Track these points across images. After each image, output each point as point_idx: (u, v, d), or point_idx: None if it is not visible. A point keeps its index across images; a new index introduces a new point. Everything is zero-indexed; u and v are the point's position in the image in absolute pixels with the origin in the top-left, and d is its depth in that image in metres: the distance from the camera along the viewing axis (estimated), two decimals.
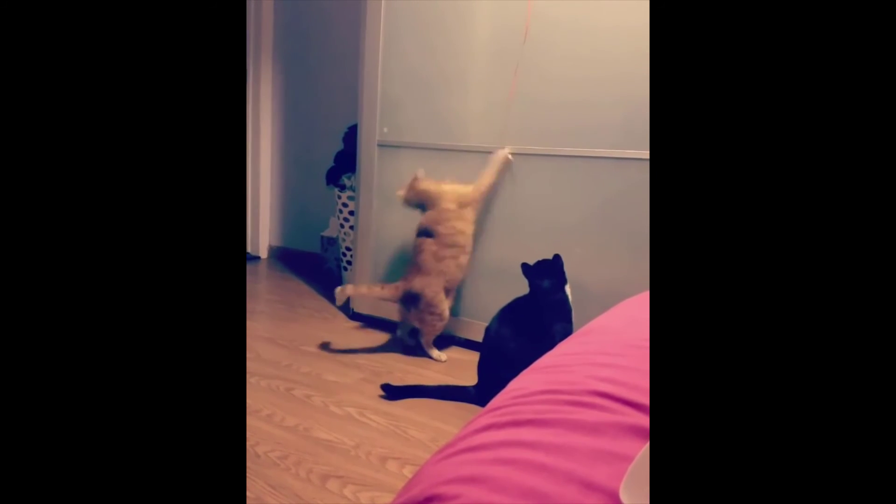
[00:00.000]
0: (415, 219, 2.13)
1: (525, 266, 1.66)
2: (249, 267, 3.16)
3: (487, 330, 1.64)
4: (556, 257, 1.67)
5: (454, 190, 1.85)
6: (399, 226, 2.18)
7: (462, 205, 1.82)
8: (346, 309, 2.39)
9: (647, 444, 0.42)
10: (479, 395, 1.60)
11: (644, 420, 0.47)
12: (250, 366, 1.79)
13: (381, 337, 2.13)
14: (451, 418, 1.50)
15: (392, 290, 1.85)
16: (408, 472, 1.25)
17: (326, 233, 3.02)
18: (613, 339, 0.76)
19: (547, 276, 1.64)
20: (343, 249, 2.72)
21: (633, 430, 0.45)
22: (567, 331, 1.60)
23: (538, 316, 1.61)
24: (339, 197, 2.67)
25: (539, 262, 1.67)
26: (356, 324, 2.27)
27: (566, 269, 1.68)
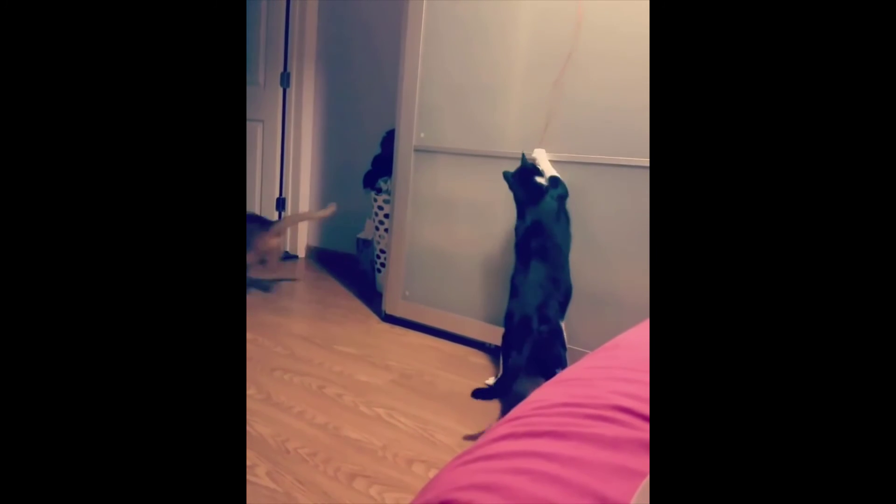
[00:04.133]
0: (448, 223, 2.15)
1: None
2: (288, 266, 3.24)
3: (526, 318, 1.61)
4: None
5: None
6: (432, 229, 2.20)
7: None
8: (379, 311, 2.42)
9: None
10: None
11: None
12: (284, 362, 1.84)
13: (412, 339, 2.16)
14: (479, 424, 1.51)
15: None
16: (433, 475, 1.26)
17: (362, 234, 3.07)
18: (640, 355, 0.75)
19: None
20: (378, 251, 2.76)
21: None
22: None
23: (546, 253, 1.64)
24: (376, 200, 2.72)
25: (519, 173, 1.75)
26: (388, 326, 2.30)
27: (598, 278, 1.66)
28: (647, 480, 0.41)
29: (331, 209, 2.68)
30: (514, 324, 1.60)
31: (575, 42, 1.80)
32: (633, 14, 1.68)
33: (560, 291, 1.64)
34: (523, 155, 1.78)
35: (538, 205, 1.70)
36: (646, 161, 1.70)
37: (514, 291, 1.65)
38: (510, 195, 2.00)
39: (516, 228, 1.76)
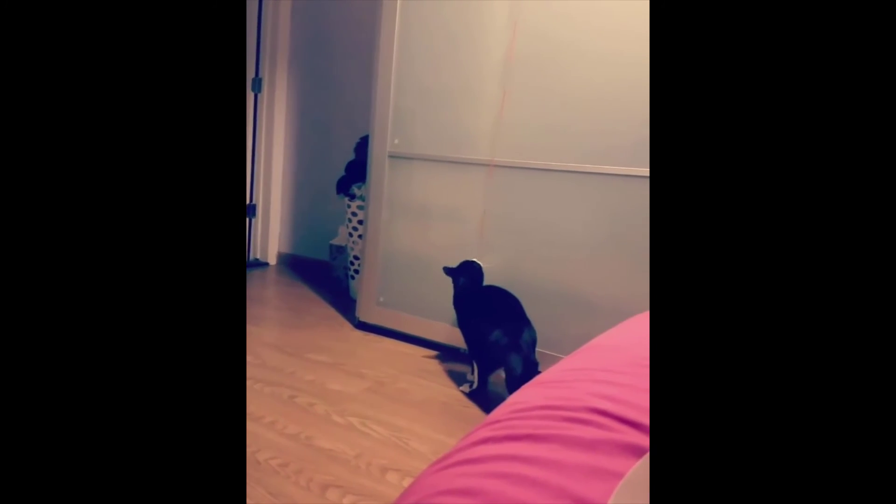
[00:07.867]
0: (422, 229, 2.14)
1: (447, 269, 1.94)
2: (258, 273, 3.19)
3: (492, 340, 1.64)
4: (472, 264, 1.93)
5: None
6: (407, 236, 2.19)
7: None
8: (352, 318, 2.40)
9: (638, 462, 0.42)
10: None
11: (640, 438, 0.47)
12: (255, 372, 1.79)
13: (386, 346, 2.14)
14: (454, 431, 1.50)
15: None
16: (407, 483, 1.24)
17: (335, 241, 3.04)
18: (618, 357, 0.75)
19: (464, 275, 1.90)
20: (351, 258, 2.73)
21: (629, 448, 0.45)
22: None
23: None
24: (349, 206, 2.70)
25: (462, 263, 1.93)
26: (362, 333, 2.28)
27: (572, 282, 1.67)
28: (623, 481, 0.41)
29: None
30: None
31: (510, 49, 1.82)
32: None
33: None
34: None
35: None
36: (614, 169, 1.72)
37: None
38: (485, 199, 2.01)
39: (462, 286, 1.89)
